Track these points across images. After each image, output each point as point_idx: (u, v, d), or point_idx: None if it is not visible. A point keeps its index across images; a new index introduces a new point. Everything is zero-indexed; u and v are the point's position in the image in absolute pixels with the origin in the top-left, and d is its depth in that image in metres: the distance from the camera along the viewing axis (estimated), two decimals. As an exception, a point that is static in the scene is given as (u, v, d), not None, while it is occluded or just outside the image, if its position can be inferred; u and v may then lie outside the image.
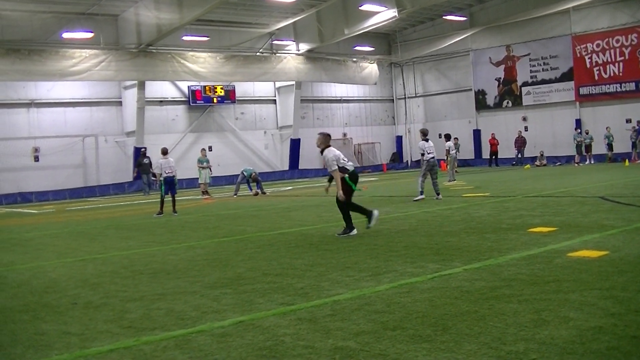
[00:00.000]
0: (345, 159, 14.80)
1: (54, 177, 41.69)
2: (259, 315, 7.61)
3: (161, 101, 46.19)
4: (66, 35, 39.43)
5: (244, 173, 32.30)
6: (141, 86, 42.80)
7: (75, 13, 40.20)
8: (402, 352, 5.93)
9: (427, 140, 22.69)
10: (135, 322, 7.72)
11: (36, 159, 41.55)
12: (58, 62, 38.66)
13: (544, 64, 48.83)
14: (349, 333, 6.64)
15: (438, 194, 21.99)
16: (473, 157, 52.29)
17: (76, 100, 42.94)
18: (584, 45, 46.32)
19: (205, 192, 32.47)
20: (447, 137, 31.47)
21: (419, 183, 22.25)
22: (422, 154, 22.50)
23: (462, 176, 35.16)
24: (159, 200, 24.09)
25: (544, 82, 48.91)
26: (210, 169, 33.42)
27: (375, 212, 14.38)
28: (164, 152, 24.65)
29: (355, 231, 14.15)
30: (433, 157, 22.41)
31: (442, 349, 5.91)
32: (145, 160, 40.54)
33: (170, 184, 23.64)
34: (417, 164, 56.25)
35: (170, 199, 23.70)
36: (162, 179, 23.67)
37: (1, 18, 38.06)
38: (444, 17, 50.02)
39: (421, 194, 21.89)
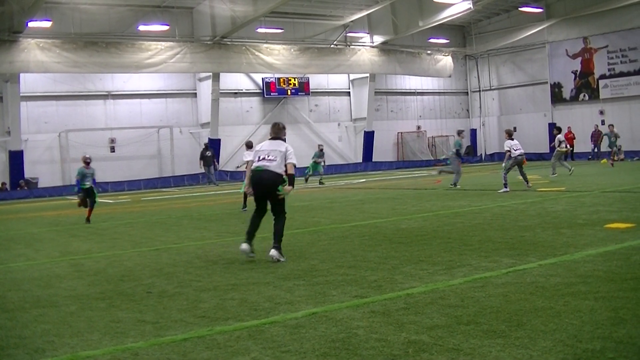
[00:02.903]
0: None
1: (129, 167, 42.31)
2: (332, 307, 7.61)
3: (235, 93, 46.53)
4: (142, 28, 40.01)
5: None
6: (216, 78, 43.15)
7: (151, 6, 40.74)
8: (475, 347, 5.88)
9: (512, 139, 23.45)
10: (209, 312, 7.79)
11: (112, 149, 42.23)
12: (134, 54, 39.20)
13: (623, 56, 47.90)
14: (423, 327, 6.61)
15: (527, 182, 22.83)
16: (548, 151, 51.57)
17: (152, 92, 43.53)
18: (664, 37, 45.41)
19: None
20: (559, 130, 31.01)
21: (502, 177, 22.56)
22: (509, 152, 23.00)
23: (538, 170, 34.72)
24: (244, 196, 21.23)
25: (622, 74, 47.97)
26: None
27: (242, 246, 11.64)
28: (250, 145, 22.21)
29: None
30: (521, 154, 23.12)
31: (517, 345, 5.84)
32: (208, 153, 40.91)
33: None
34: (491, 157, 56.02)
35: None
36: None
37: (80, 12, 38.72)
38: (519, 8, 49.39)
39: (505, 187, 22.14)
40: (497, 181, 28.02)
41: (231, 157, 45.43)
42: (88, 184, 20.52)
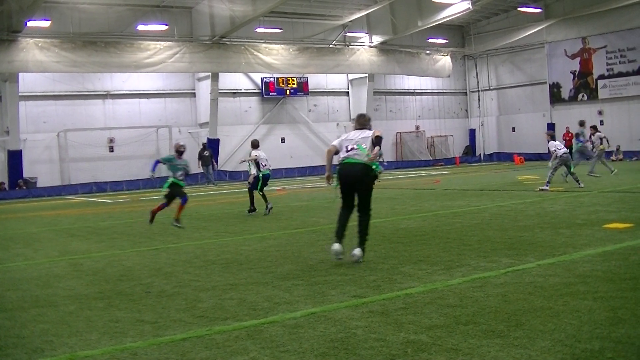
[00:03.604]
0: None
1: (128, 167, 42.33)
2: (331, 307, 7.62)
3: (234, 93, 46.55)
4: (141, 27, 40.04)
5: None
6: (215, 78, 43.18)
7: (150, 6, 40.77)
8: (474, 347, 5.89)
9: (554, 140, 23.70)
10: (208, 312, 7.79)
11: (111, 149, 42.25)
12: (133, 54, 39.21)
13: (621, 56, 47.90)
14: (421, 327, 6.61)
15: (578, 182, 22.61)
16: (546, 151, 51.58)
17: (150, 91, 43.56)
18: (663, 37, 45.43)
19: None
20: (581, 124, 30.78)
21: (548, 175, 22.68)
22: (554, 151, 22.87)
23: (536, 170, 34.75)
24: (249, 196, 20.53)
25: (621, 75, 47.98)
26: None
27: (334, 247, 10.99)
28: (257, 145, 21.03)
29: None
30: (566, 153, 23.11)
31: (515, 345, 5.85)
32: (206, 153, 40.95)
33: (266, 180, 20.20)
34: (489, 157, 56.05)
35: (261, 194, 20.22)
36: (261, 174, 20.00)
37: (79, 11, 38.74)
38: (518, 8, 49.40)
39: (547, 185, 22.24)
40: (496, 181, 28.08)
41: (230, 157, 45.44)
42: (179, 178, 17.08)
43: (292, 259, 11.18)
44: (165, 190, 17.13)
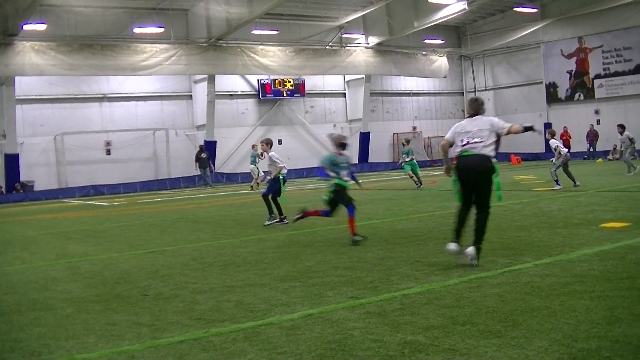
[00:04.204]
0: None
1: (125, 170, 42.34)
2: (328, 309, 7.62)
3: (231, 95, 46.55)
4: (137, 30, 40.03)
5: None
6: (211, 80, 43.17)
7: (146, 8, 40.75)
8: (471, 347, 5.89)
9: (555, 139, 23.56)
10: (205, 314, 7.79)
11: (108, 152, 42.25)
12: (130, 56, 39.20)
13: (617, 55, 47.96)
14: (418, 327, 6.62)
15: (575, 182, 22.68)
16: (544, 151, 51.61)
17: (147, 94, 43.56)
18: (659, 36, 45.48)
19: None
20: (623, 127, 30.33)
21: (552, 174, 22.69)
22: (556, 149, 22.86)
23: (533, 170, 34.77)
24: (272, 204, 17.50)
25: (617, 74, 48.05)
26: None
27: (450, 246, 10.40)
28: (270, 143, 18.42)
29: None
30: (568, 152, 23.29)
31: (513, 345, 5.86)
32: (203, 155, 40.96)
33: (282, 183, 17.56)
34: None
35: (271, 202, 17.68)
36: (281, 176, 17.47)
37: (75, 14, 38.73)
38: (514, 8, 49.45)
39: (558, 184, 22.27)
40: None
41: (227, 159, 45.48)
42: (344, 179, 13.73)
43: (290, 261, 11.18)
44: (328, 195, 13.87)
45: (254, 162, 33.93)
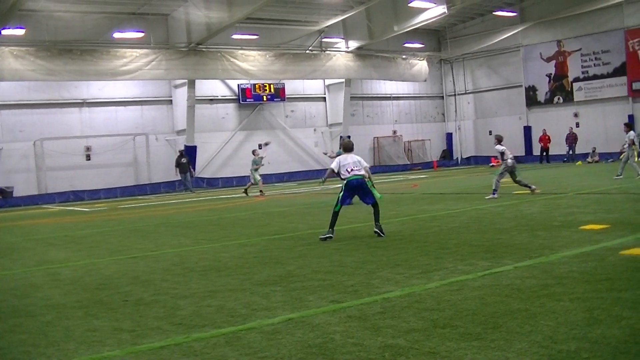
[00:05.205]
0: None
1: (105, 175, 42.18)
2: (309, 313, 7.63)
3: (211, 99, 46.48)
4: (117, 35, 39.91)
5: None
6: (191, 85, 43.10)
7: (126, 13, 40.65)
8: (452, 350, 5.91)
9: (501, 144, 22.48)
10: (186, 319, 7.78)
11: (88, 157, 42.06)
12: (109, 61, 39.08)
13: (596, 59, 48.23)
14: (399, 331, 6.63)
15: (530, 187, 21.68)
16: (524, 154, 51.84)
17: (127, 99, 43.42)
18: (637, 40, 45.68)
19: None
20: (629, 126, 29.27)
21: (494, 182, 21.70)
22: (502, 154, 22.08)
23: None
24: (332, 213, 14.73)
25: (595, 77, 48.32)
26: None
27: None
28: (348, 148, 15.60)
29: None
30: (512, 159, 22.15)
31: (493, 347, 5.88)
32: (183, 160, 40.87)
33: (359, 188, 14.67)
34: (467, 160, 56.23)
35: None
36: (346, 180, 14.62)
37: (54, 19, 38.59)
38: (494, 12, 49.64)
39: (494, 193, 21.35)
40: (473, 184, 28.20)
41: (208, 164, 45.41)
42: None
43: (271, 265, 11.19)
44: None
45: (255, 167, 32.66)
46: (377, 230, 13.97)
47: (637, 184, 23.15)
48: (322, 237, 13.91)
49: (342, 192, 14.37)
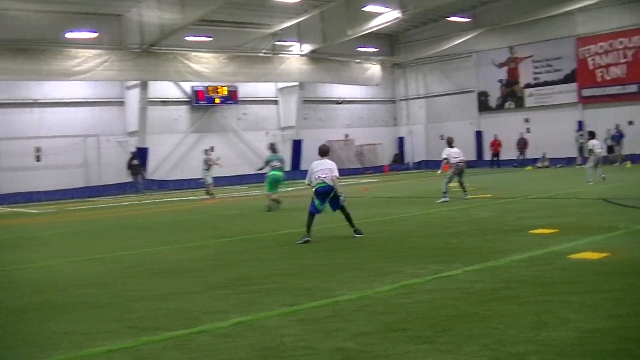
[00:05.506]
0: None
1: (56, 177, 41.65)
2: (261, 316, 7.66)
3: (164, 101, 46.13)
4: (70, 35, 39.49)
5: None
6: (144, 86, 42.79)
7: (80, 13, 40.21)
8: (402, 353, 5.98)
9: (452, 147, 22.65)
10: (140, 322, 7.78)
11: (38, 158, 41.57)
12: (62, 61, 38.67)
13: (547, 65, 48.71)
14: (350, 334, 6.69)
15: (465, 192, 21.98)
16: (475, 159, 52.19)
17: (79, 100, 42.92)
18: (587, 47, 46.25)
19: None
20: (591, 134, 29.19)
21: (444, 185, 21.86)
22: (446, 159, 22.31)
23: (464, 178, 35.08)
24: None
25: (546, 83, 48.78)
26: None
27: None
28: (324, 152, 15.76)
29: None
30: (461, 162, 22.41)
31: (442, 350, 5.96)
32: (135, 162, 40.61)
33: (326, 195, 14.72)
34: (418, 165, 56.50)
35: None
36: (315, 187, 14.88)
37: (6, 18, 38.08)
38: (447, 18, 49.87)
39: (444, 196, 21.50)
40: (424, 189, 28.37)
41: (160, 166, 45.11)
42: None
43: (226, 268, 11.20)
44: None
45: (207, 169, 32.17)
46: (355, 235, 14.28)
47: (588, 189, 23.43)
48: (300, 241, 13.98)
49: (313, 199, 14.63)
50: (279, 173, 22.59)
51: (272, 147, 23.47)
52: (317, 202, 14.47)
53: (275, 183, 22.61)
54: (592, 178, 25.63)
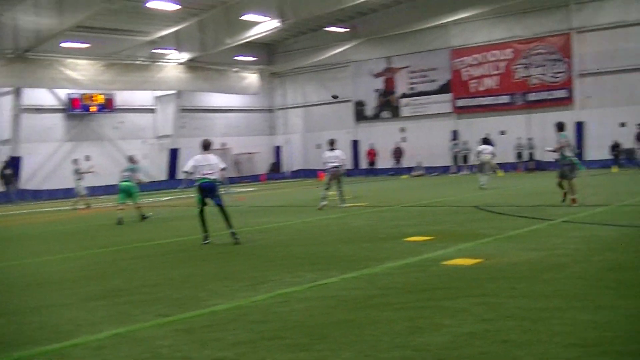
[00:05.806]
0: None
1: None
2: (136, 327, 7.53)
3: (38, 109, 45.04)
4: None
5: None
6: (17, 93, 41.77)
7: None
8: (279, 361, 5.97)
9: (332, 150, 22.66)
10: (6, 337, 7.53)
11: None
12: None
13: (423, 76, 49.64)
14: (226, 343, 6.64)
15: (342, 201, 22.00)
16: (352, 167, 52.67)
17: (-52, 106, 41.66)
18: (461, 59, 47.34)
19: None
20: (485, 141, 29.32)
21: (322, 192, 22.14)
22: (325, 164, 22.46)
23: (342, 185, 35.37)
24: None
25: (422, 94, 49.70)
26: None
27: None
28: (206, 146, 15.81)
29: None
30: (335, 167, 22.33)
31: (319, 358, 5.97)
32: (8, 171, 39.62)
33: (209, 191, 15.07)
34: (295, 174, 56.72)
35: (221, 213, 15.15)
36: (198, 183, 15.09)
37: None
38: (326, 28, 50.20)
39: (323, 201, 21.75)
40: (301, 197, 28.49)
41: (33, 175, 44.02)
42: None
43: (95, 280, 10.97)
44: None
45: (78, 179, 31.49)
46: (233, 237, 14.49)
47: (461, 197, 23.94)
48: (203, 243, 14.55)
49: (197, 195, 15.13)
50: (127, 183, 22.66)
51: (131, 159, 23.69)
52: (198, 197, 15.05)
53: (125, 193, 22.70)
54: (484, 180, 26.88)
